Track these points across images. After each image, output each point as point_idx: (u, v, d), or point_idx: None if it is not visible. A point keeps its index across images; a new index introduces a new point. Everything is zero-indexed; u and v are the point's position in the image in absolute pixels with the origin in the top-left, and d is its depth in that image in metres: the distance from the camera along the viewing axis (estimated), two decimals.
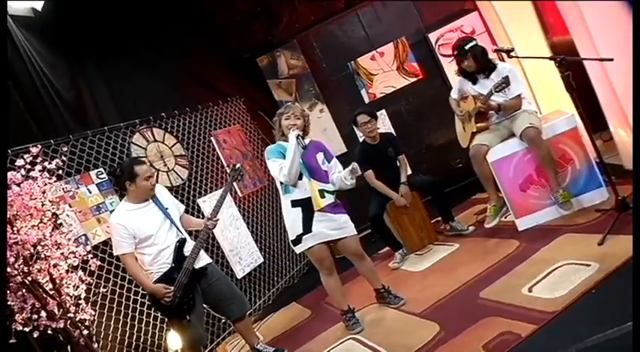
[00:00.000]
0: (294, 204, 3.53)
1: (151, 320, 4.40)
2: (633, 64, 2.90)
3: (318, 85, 6.53)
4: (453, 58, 4.28)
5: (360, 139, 5.35)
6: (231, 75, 6.48)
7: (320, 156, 3.65)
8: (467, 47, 4.12)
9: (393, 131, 6.12)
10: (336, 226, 3.56)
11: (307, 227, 3.51)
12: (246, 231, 5.64)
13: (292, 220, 3.55)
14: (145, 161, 3.83)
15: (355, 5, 6.36)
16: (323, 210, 3.53)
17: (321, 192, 3.55)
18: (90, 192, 4.42)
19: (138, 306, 4.35)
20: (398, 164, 5.00)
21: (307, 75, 6.53)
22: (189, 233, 3.93)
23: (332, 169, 3.67)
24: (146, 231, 3.55)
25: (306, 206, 3.51)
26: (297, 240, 3.56)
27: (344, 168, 3.68)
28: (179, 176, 5.28)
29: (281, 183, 3.58)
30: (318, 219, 3.52)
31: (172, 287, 3.52)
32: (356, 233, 3.64)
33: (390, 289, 3.89)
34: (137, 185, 3.59)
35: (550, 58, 3.43)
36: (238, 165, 4.04)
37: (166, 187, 4.93)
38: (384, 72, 6.34)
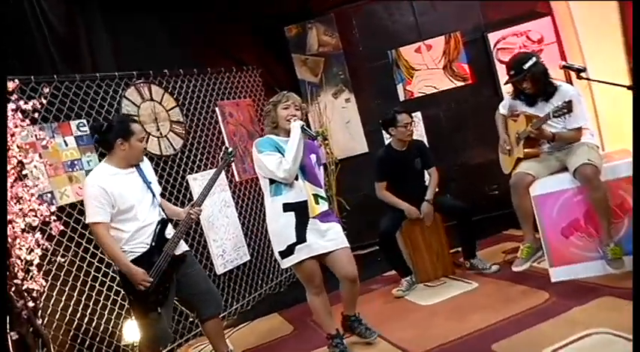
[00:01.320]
0: (287, 207, 3.50)
1: (109, 303, 4.38)
2: (633, 70, 2.74)
3: (349, 70, 6.50)
4: (508, 78, 4.20)
5: (387, 141, 5.33)
6: (251, 41, 6.46)
7: (313, 158, 3.67)
8: (525, 66, 4.03)
9: (424, 139, 6.12)
10: (330, 237, 3.56)
11: (301, 235, 3.48)
12: (236, 222, 5.62)
13: (282, 227, 3.50)
14: (139, 120, 3.79)
15: None
16: (317, 216, 3.53)
17: (315, 198, 3.56)
18: (66, 145, 4.39)
19: (97, 285, 4.32)
20: (426, 177, 5.01)
21: (339, 56, 6.50)
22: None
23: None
24: (129, 201, 3.52)
25: (301, 211, 3.50)
26: (289, 251, 3.50)
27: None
28: (171, 145, 5.25)
29: (271, 182, 3.55)
30: (312, 227, 3.51)
31: (152, 273, 3.51)
32: (348, 246, 3.62)
33: (361, 318, 3.86)
34: (131, 145, 3.57)
35: (628, 87, 3.34)
36: (231, 149, 4.06)
37: (155, 156, 4.96)
38: (427, 68, 6.31)
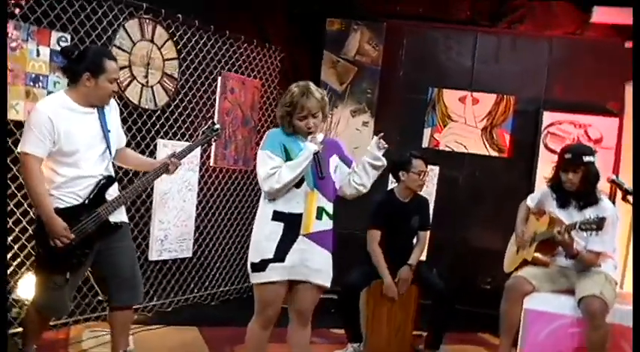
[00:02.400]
0: (277, 216, 3.46)
1: (8, 251, 4.29)
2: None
3: (379, 91, 6.51)
4: (557, 162, 4.24)
5: (390, 186, 5.29)
6: (286, 21, 6.48)
7: (333, 162, 3.61)
8: (585, 159, 4.08)
9: (432, 198, 6.12)
10: (316, 265, 3.49)
11: (282, 253, 3.43)
12: (192, 211, 5.58)
13: (265, 237, 3.46)
14: (117, 59, 3.74)
15: (483, 25, 6.37)
16: (310, 235, 3.47)
17: (320, 211, 3.50)
18: (38, 55, 4.33)
19: (10, 223, 4.27)
20: (415, 239, 5.02)
21: (374, 71, 6.50)
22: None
23: (351, 176, 3.63)
24: (74, 144, 3.49)
25: (291, 224, 3.45)
26: (261, 266, 3.45)
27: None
28: (154, 99, 5.19)
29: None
30: (300, 247, 3.45)
31: (75, 231, 3.49)
32: (327, 286, 3.57)
33: None
34: (98, 84, 3.53)
35: None
36: (218, 126, 4.04)
37: (131, 104, 4.90)
38: (465, 123, 6.37)
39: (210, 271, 5.90)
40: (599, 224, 3.88)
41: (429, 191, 6.14)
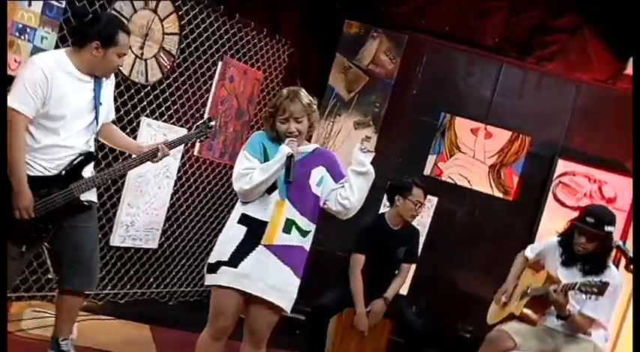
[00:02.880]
0: (243, 219, 3.51)
1: None
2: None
3: (388, 107, 6.51)
4: (575, 219, 4.26)
5: (382, 210, 5.28)
6: (301, 14, 6.49)
7: (317, 174, 3.60)
8: (606, 228, 4.11)
9: (424, 230, 6.12)
10: (273, 282, 3.46)
11: (236, 258, 3.45)
12: (166, 199, 5.54)
13: (227, 239, 3.52)
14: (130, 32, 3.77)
15: (511, 55, 6.39)
16: (272, 247, 3.46)
17: (289, 224, 3.50)
18: (29, 5, 4.28)
19: None
20: (397, 271, 5.04)
21: (386, 85, 6.50)
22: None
23: (337, 192, 3.59)
24: (63, 110, 3.51)
25: (255, 230, 3.47)
26: (213, 268, 3.49)
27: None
28: (146, 73, 5.15)
29: None
30: (258, 257, 3.44)
31: (41, 204, 3.50)
32: (287, 311, 3.55)
33: None
34: (106, 55, 3.57)
35: None
36: (213, 123, 4.13)
37: (121, 75, 4.87)
38: (473, 156, 6.37)
39: (173, 267, 5.84)
40: (600, 288, 3.89)
41: (423, 222, 6.13)
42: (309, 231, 3.54)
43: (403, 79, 6.48)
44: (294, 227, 3.50)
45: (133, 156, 3.86)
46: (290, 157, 3.41)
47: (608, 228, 4.12)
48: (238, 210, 3.54)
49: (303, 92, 3.58)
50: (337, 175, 3.62)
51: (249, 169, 3.45)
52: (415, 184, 4.92)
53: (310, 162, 3.59)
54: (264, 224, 3.46)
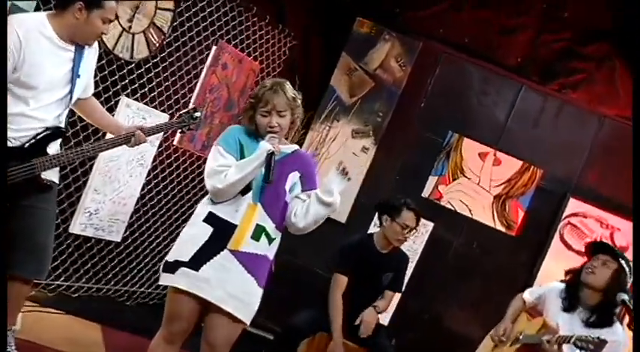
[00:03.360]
0: (210, 218, 3.52)
1: None
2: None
3: (392, 118, 6.52)
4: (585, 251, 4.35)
5: (371, 230, 5.29)
6: (310, 8, 6.52)
7: (292, 179, 3.64)
8: (621, 262, 4.17)
9: (414, 257, 6.14)
10: (233, 288, 3.47)
11: (198, 261, 3.46)
12: (136, 189, 5.51)
13: (189, 237, 3.54)
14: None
15: (532, 79, 6.41)
16: (238, 253, 3.48)
17: (259, 230, 3.52)
18: None
19: None
20: (380, 297, 5.07)
21: (392, 94, 6.51)
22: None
23: (295, 204, 3.61)
24: (37, 79, 3.49)
25: (222, 232, 3.49)
26: (172, 268, 3.49)
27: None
28: (132, 50, 5.11)
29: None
30: (222, 263, 3.46)
31: None
32: (247, 323, 3.56)
33: None
34: (89, 18, 3.54)
35: None
36: (199, 114, 4.15)
37: (104, 47, 4.83)
38: (477, 183, 6.40)
39: (136, 265, 5.78)
40: (597, 346, 3.91)
41: (415, 248, 6.16)
42: (274, 239, 3.57)
43: (412, 89, 6.51)
44: (263, 234, 3.53)
45: (107, 137, 3.85)
46: (271, 155, 3.41)
47: (622, 262, 4.19)
48: (205, 207, 3.55)
49: (288, 85, 3.61)
50: (308, 183, 3.63)
51: (224, 166, 3.45)
52: (406, 206, 4.93)
53: (288, 165, 3.60)
54: (232, 227, 3.48)
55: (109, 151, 5.02)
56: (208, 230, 3.48)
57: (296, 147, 3.72)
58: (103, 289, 5.60)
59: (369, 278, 4.97)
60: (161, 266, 3.55)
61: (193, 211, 5.92)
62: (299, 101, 3.62)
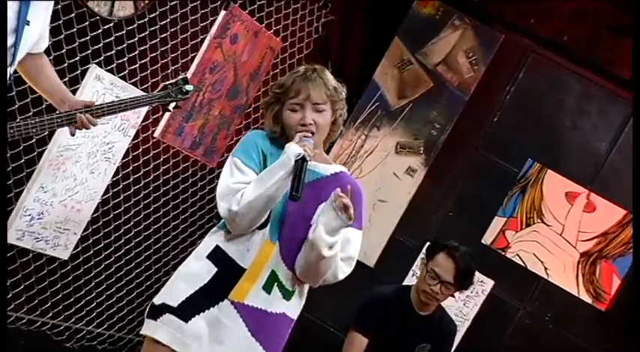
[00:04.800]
0: (216, 254, 3.53)
1: None
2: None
3: (451, 133, 6.56)
4: None
5: (408, 282, 5.40)
6: None
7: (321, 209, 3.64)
8: None
9: (464, 326, 6.12)
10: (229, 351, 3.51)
11: (189, 309, 3.49)
12: (99, 191, 5.49)
13: (186, 275, 3.57)
14: None
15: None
16: (242, 306, 3.50)
17: (271, 279, 3.54)
18: None
19: None
20: None
21: (458, 100, 6.53)
22: None
23: None
24: None
25: (226, 276, 3.52)
26: (156, 312, 3.53)
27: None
28: (112, 5, 5.06)
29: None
30: (219, 316, 3.49)
31: None
32: None
33: None
34: None
35: None
36: (191, 87, 4.13)
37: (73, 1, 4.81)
38: (560, 234, 6.39)
39: (85, 294, 5.75)
40: None
41: (465, 312, 6.19)
42: (293, 292, 3.60)
43: (483, 97, 6.56)
44: (275, 285, 3.54)
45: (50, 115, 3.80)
46: (301, 161, 3.36)
47: None
48: (213, 236, 3.58)
49: (328, 73, 3.64)
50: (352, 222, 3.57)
51: (241, 184, 3.43)
52: (445, 249, 4.97)
53: (325, 190, 3.54)
54: (239, 271, 3.48)
55: (65, 138, 5.07)
56: (211, 269, 3.50)
57: (341, 168, 3.70)
58: (36, 322, 5.55)
59: (398, 347, 5.04)
60: (147, 310, 3.57)
61: (174, 228, 6.01)
62: (343, 94, 3.62)
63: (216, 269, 3.49)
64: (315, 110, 3.50)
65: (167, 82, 4.09)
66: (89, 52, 5.04)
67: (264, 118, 3.66)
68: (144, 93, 4.14)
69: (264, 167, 3.50)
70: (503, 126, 6.49)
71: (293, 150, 3.38)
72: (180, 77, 4.18)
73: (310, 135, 3.46)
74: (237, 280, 3.46)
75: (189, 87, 4.08)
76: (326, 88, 3.52)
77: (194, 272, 3.52)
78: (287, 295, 3.56)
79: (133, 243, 5.90)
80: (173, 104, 4.12)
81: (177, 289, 3.50)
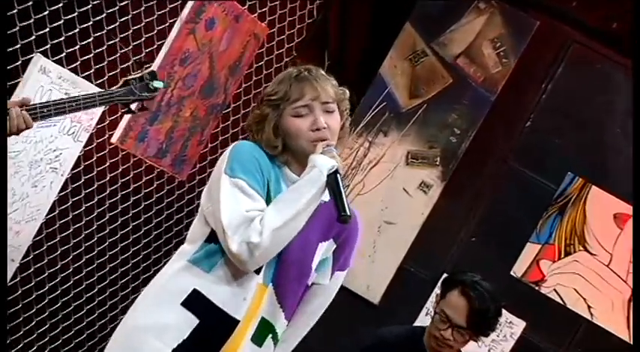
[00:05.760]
0: (193, 300, 3.46)
1: None
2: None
3: (474, 139, 6.57)
4: None
5: (420, 322, 5.51)
6: None
7: (324, 249, 3.65)
8: None
9: None
10: None
11: None
12: (43, 209, 5.50)
13: (157, 330, 3.47)
14: None
15: None
16: None
17: (264, 329, 3.55)
18: None
19: None
20: None
21: (483, 100, 6.56)
22: None
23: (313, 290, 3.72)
24: None
25: (211, 331, 3.48)
26: None
27: None
28: None
29: (209, 238, 3.53)
30: None
31: None
32: None
33: None
34: None
35: None
36: (160, 84, 4.15)
37: None
38: (607, 265, 6.41)
39: (26, 335, 5.75)
40: None
41: None
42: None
43: (514, 97, 6.62)
44: (269, 336, 3.57)
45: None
46: (335, 174, 3.35)
47: None
48: (185, 278, 3.50)
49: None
50: (341, 259, 3.69)
51: (256, 211, 3.38)
52: (461, 284, 5.00)
53: (324, 220, 3.56)
54: (231, 322, 3.46)
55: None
56: (191, 321, 3.43)
57: None
58: None
59: None
60: None
61: (131, 257, 5.98)
62: (347, 92, 3.63)
63: (197, 321, 3.43)
64: (325, 111, 3.50)
65: (129, 77, 4.04)
66: (32, 38, 5.06)
67: (254, 135, 3.57)
68: (100, 90, 4.08)
69: (268, 191, 3.48)
70: (538, 133, 6.53)
71: (324, 162, 3.37)
72: (147, 70, 4.14)
73: (333, 143, 3.46)
74: (229, 334, 3.45)
75: (157, 83, 4.06)
76: (330, 85, 3.54)
77: (167, 324, 3.44)
78: (277, 342, 3.61)
79: (83, 273, 5.90)
80: (136, 104, 4.11)
81: (148, 348, 3.46)
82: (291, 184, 3.48)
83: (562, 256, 6.38)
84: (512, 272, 6.33)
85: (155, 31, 5.62)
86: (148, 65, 4.31)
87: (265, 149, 3.57)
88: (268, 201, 3.42)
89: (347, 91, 3.63)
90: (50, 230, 5.58)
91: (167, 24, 5.65)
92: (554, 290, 6.33)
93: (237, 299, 3.43)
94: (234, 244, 3.33)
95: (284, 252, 3.46)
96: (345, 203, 3.33)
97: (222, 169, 3.45)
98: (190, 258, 3.49)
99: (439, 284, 5.19)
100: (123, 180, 5.85)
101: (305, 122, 3.47)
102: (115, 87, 4.10)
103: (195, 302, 3.42)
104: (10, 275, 5.51)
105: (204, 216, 3.52)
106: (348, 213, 3.31)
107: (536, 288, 6.32)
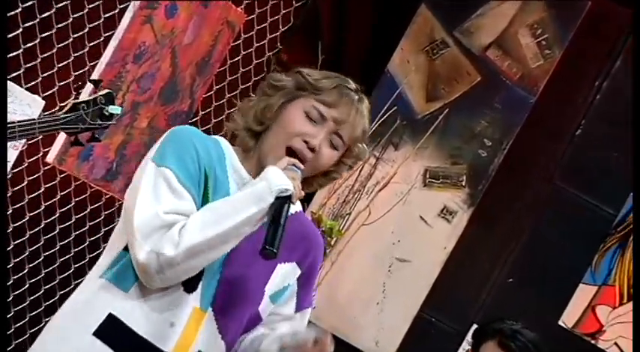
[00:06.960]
0: (109, 329, 3.47)
1: None
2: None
3: (509, 152, 6.57)
4: None
5: None
6: None
7: (283, 275, 3.70)
8: None
9: None
10: None
11: None
12: None
13: None
14: None
15: None
16: None
17: None
18: None
19: None
20: None
21: (521, 102, 6.68)
22: None
23: (267, 324, 3.75)
24: None
25: None
26: None
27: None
28: None
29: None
30: None
31: None
32: None
33: None
34: None
35: None
36: (118, 109, 4.11)
37: None
38: None
39: None
40: None
41: None
42: None
43: (560, 99, 6.74)
44: None
45: None
46: (285, 200, 3.34)
47: None
48: (98, 300, 3.50)
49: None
50: (305, 287, 3.74)
51: (178, 215, 3.38)
52: (499, 335, 5.14)
53: (287, 236, 3.53)
54: None
55: None
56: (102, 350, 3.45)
57: (297, 206, 3.69)
58: None
59: None
60: None
61: (70, 292, 6.04)
62: (365, 153, 3.68)
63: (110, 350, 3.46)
64: (331, 140, 3.50)
65: (78, 100, 4.02)
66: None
67: (237, 114, 3.56)
68: (34, 118, 4.07)
69: (205, 191, 3.50)
70: (591, 144, 6.55)
71: (279, 181, 3.35)
72: (102, 92, 4.11)
73: (302, 165, 3.44)
74: None
75: (113, 109, 4.03)
76: (364, 127, 3.55)
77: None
78: None
79: (12, 312, 5.99)
80: (87, 134, 4.10)
81: None
82: (240, 186, 3.51)
83: (624, 301, 6.41)
84: (561, 322, 6.38)
85: (102, 20, 5.67)
86: (101, 82, 4.30)
87: (239, 132, 3.58)
88: (205, 202, 3.45)
89: (367, 152, 3.68)
90: None
91: (117, 10, 5.69)
92: (615, 343, 6.38)
93: (164, 325, 3.47)
94: (142, 252, 3.34)
95: (226, 268, 3.52)
96: (278, 238, 3.33)
97: (151, 156, 3.49)
98: (104, 273, 3.50)
99: (468, 337, 5.11)
100: (62, 209, 5.90)
101: (305, 126, 3.48)
102: (61, 112, 4.06)
103: (111, 330, 3.44)
104: None
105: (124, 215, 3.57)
106: (275, 250, 3.32)
107: (592, 342, 6.39)
